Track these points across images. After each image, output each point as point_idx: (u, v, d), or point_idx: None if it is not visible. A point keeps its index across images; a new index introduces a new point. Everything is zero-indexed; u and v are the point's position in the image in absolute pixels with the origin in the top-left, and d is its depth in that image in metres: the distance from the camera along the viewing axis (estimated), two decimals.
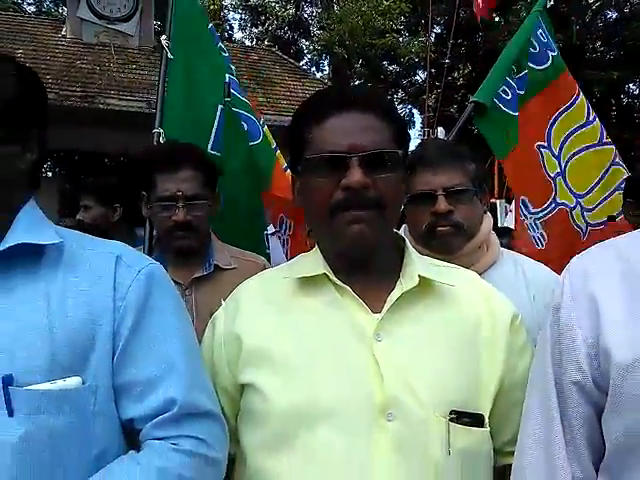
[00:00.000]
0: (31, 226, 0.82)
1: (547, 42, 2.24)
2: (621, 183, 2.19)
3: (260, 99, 8.77)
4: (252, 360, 0.90)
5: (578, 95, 2.25)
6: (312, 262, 0.95)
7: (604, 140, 2.25)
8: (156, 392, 0.81)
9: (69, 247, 0.84)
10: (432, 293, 0.92)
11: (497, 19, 13.72)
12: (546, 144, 2.13)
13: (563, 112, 2.16)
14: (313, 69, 18.69)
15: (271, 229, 2.36)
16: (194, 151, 1.66)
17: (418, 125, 17.95)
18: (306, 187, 0.93)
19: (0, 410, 0.72)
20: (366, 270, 0.92)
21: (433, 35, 17.59)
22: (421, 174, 1.26)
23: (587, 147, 2.19)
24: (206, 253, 1.62)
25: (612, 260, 0.75)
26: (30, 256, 0.81)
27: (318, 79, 11.08)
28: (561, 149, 2.13)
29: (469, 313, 0.92)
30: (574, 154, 2.18)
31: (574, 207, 2.12)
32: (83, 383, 0.78)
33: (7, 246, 0.78)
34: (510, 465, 0.84)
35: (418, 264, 0.93)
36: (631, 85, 14.02)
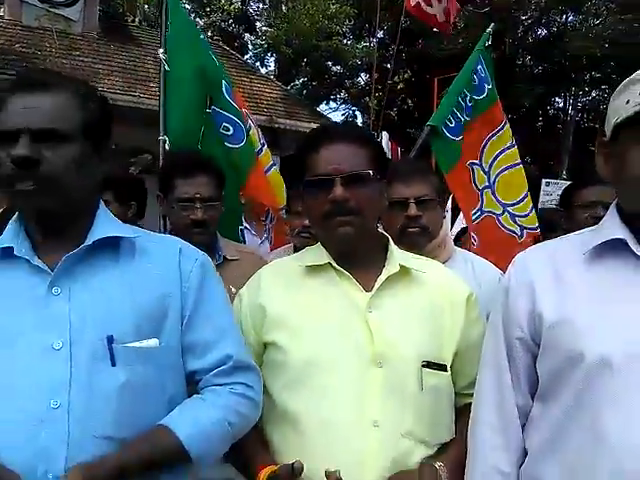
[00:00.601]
0: (108, 223, 1.04)
1: (485, 77, 2.65)
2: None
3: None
4: (273, 325, 1.18)
5: (505, 122, 2.68)
6: (317, 253, 1.23)
7: (517, 162, 2.71)
8: (214, 351, 1.06)
9: (139, 240, 1.04)
10: (409, 278, 1.21)
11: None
12: (478, 162, 2.55)
13: (493, 136, 2.60)
14: (257, 64, 18.76)
15: (245, 224, 2.60)
16: (207, 159, 1.91)
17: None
18: (306, 201, 1.22)
19: (106, 361, 0.94)
20: (356, 260, 1.20)
21: (375, 40, 18.19)
22: (396, 186, 1.54)
23: (512, 166, 2.65)
24: (216, 247, 1.85)
25: (544, 257, 1.03)
26: (110, 247, 1.01)
27: (265, 76, 11.16)
28: (490, 166, 2.57)
29: (437, 292, 1.21)
30: (502, 171, 2.63)
31: (501, 214, 2.54)
32: (160, 344, 0.99)
33: (95, 239, 0.98)
34: (466, 405, 1.14)
35: (398, 256, 1.21)
36: (557, 98, 15.07)
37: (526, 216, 2.64)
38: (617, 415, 0.87)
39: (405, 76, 16.29)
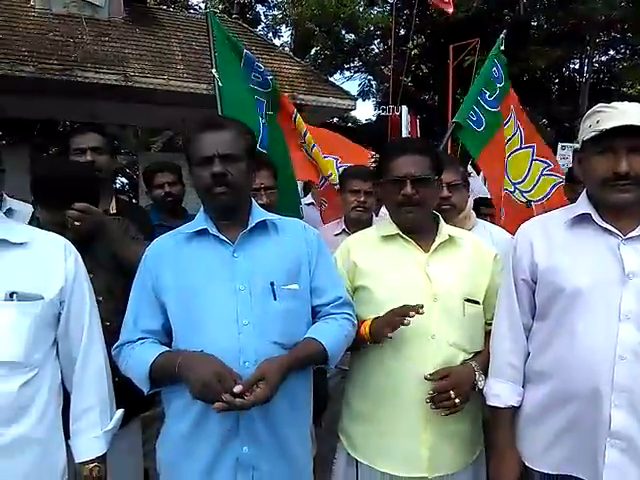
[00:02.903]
0: (259, 212, 1.59)
1: (498, 77, 3.15)
2: (542, 174, 3.16)
3: None
4: (362, 275, 1.73)
5: (510, 116, 3.16)
6: (389, 227, 1.76)
7: (523, 145, 3.22)
8: (329, 292, 1.59)
9: (278, 222, 1.59)
10: (453, 243, 1.74)
11: None
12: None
13: (506, 124, 3.09)
14: (270, 35, 18.88)
15: (308, 199, 3.16)
16: (265, 157, 2.41)
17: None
18: (384, 194, 1.76)
19: (271, 297, 1.48)
20: (417, 232, 1.73)
21: (388, 6, 18.13)
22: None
23: (515, 150, 3.17)
24: None
25: (539, 226, 1.55)
26: (263, 227, 1.56)
27: (284, 52, 11.44)
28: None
29: (472, 253, 1.75)
30: (509, 155, 3.15)
31: (513, 191, 3.06)
32: (299, 287, 1.53)
33: (255, 221, 1.54)
34: (490, 330, 1.67)
35: (445, 228, 1.75)
36: (572, 60, 15.02)
37: (530, 191, 3.17)
38: (585, 324, 1.39)
39: (419, 42, 16.34)
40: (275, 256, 1.53)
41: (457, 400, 1.55)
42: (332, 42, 16.96)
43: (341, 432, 1.80)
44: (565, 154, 7.75)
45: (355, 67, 19.41)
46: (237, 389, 1.30)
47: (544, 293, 1.49)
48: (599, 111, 1.37)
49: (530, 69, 12.99)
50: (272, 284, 1.49)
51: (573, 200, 1.61)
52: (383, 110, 8.30)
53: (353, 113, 16.46)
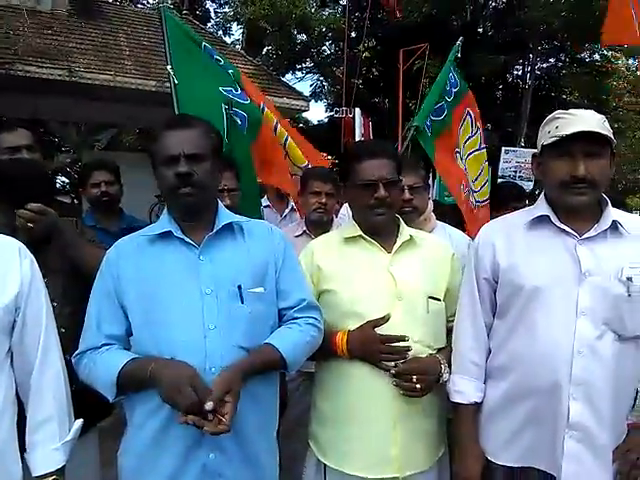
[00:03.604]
0: (225, 214, 1.55)
1: (454, 82, 3.28)
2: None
3: None
4: (326, 278, 1.73)
5: (466, 115, 3.27)
6: (352, 229, 1.77)
7: (481, 146, 3.35)
8: (294, 295, 1.56)
9: (245, 224, 1.56)
10: (414, 243, 1.76)
11: None
12: (458, 149, 3.13)
13: (460, 128, 3.19)
14: (220, 33, 18.61)
15: (264, 202, 3.11)
16: (229, 158, 2.33)
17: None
18: (353, 197, 1.75)
19: (237, 300, 1.45)
20: (379, 233, 1.74)
21: (339, 8, 18.26)
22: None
23: (474, 150, 3.24)
24: None
25: (500, 227, 1.61)
26: (229, 229, 1.53)
27: (236, 50, 11.32)
28: (461, 151, 3.18)
29: (432, 252, 1.79)
30: (468, 154, 3.25)
31: (468, 191, 3.14)
32: (265, 290, 1.50)
33: (222, 224, 1.51)
34: (452, 327, 1.71)
35: (406, 229, 1.78)
36: (516, 67, 15.62)
37: (479, 191, 3.31)
38: (544, 320, 1.45)
39: (370, 45, 16.55)
40: (241, 259, 1.51)
41: (418, 386, 1.58)
42: (284, 42, 16.92)
43: (310, 437, 1.79)
44: (508, 158, 8.06)
45: (307, 68, 19.45)
46: (209, 406, 1.27)
47: (505, 291, 1.54)
48: (558, 117, 1.43)
49: (475, 75, 13.41)
50: (239, 287, 1.46)
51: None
52: (336, 112, 8.36)
53: (305, 114, 16.46)
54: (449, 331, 1.74)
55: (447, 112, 3.16)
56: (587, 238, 1.46)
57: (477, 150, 3.32)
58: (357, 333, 1.64)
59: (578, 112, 1.42)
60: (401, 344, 1.61)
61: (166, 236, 1.50)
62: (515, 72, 15.96)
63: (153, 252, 1.50)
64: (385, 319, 1.61)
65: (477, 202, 3.31)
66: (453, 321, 1.73)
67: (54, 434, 1.40)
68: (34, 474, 1.37)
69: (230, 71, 2.95)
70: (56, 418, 1.40)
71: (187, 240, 1.49)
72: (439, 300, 1.73)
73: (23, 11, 8.31)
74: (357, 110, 7.57)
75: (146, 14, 10.89)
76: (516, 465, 1.54)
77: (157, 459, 1.42)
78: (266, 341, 1.49)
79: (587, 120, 1.38)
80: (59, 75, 7.67)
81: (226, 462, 1.43)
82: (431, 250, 1.80)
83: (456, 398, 1.62)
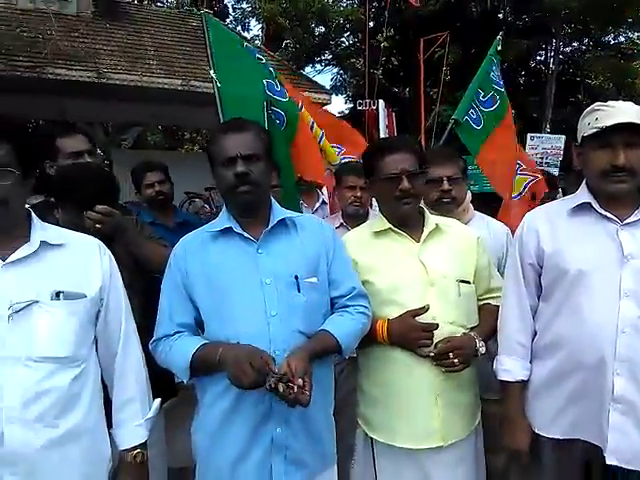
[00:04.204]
0: (279, 210, 1.67)
1: (496, 81, 3.32)
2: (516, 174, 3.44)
3: (205, 68, 8.98)
4: (362, 270, 1.83)
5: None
6: (381, 222, 1.87)
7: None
8: (345, 284, 1.68)
9: (297, 219, 1.68)
10: (440, 231, 1.87)
11: None
12: None
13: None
14: (239, 28, 18.71)
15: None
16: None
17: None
18: (380, 191, 1.85)
19: (295, 289, 1.56)
20: (407, 224, 1.84)
21: None
22: (434, 168, 2.19)
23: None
24: None
25: (543, 214, 1.69)
26: (283, 225, 1.65)
27: (259, 47, 11.42)
28: None
29: (458, 238, 1.89)
30: None
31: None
32: (317, 280, 1.62)
33: (277, 219, 1.63)
34: (482, 305, 1.87)
35: (432, 218, 1.88)
36: (539, 52, 15.41)
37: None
38: (588, 302, 1.54)
39: (388, 35, 16.48)
40: (296, 251, 1.63)
41: (455, 360, 1.70)
42: (303, 35, 16.95)
43: (359, 417, 1.91)
44: (534, 144, 7.98)
45: (326, 60, 19.46)
46: (299, 383, 1.38)
47: (550, 275, 1.63)
48: (597, 110, 1.51)
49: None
50: (296, 278, 1.58)
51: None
52: (359, 104, 8.40)
53: (326, 107, 16.50)
54: (480, 309, 1.86)
55: (500, 103, 3.21)
56: (628, 223, 1.54)
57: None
58: (397, 322, 1.75)
59: (617, 104, 1.50)
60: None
61: (226, 232, 1.63)
62: (538, 57, 15.76)
63: (216, 247, 1.63)
64: (425, 309, 1.72)
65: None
66: (482, 300, 1.87)
67: (137, 412, 1.54)
68: (121, 448, 1.52)
69: (271, 68, 3.06)
70: (138, 398, 1.54)
71: (246, 235, 1.61)
72: (469, 283, 1.84)
73: (50, 14, 8.50)
74: (381, 102, 7.60)
75: (168, 13, 11.08)
76: (562, 437, 1.64)
77: (229, 434, 1.55)
78: (323, 328, 1.61)
79: (626, 112, 1.46)
80: (88, 77, 7.85)
81: (291, 436, 1.56)
82: (457, 236, 1.90)
83: (504, 376, 1.72)
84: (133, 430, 1.52)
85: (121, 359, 1.52)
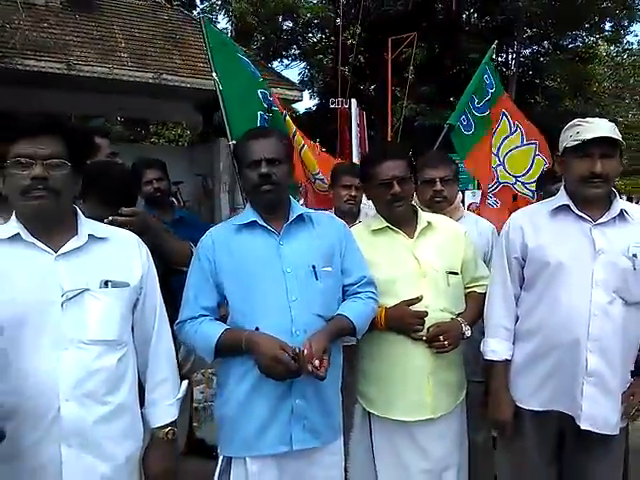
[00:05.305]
0: (297, 206, 1.85)
1: (489, 83, 3.54)
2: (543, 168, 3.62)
3: (177, 61, 8.98)
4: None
5: (502, 117, 3.56)
6: (378, 221, 2.08)
7: (524, 142, 3.62)
8: (355, 273, 1.87)
9: (312, 215, 1.87)
10: (431, 227, 2.08)
11: None
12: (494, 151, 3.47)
13: (496, 129, 3.48)
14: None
15: None
16: None
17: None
18: (375, 194, 2.05)
19: (313, 277, 1.75)
20: (401, 222, 2.05)
21: None
22: (427, 170, 2.43)
23: (515, 147, 3.56)
24: None
25: (527, 214, 1.94)
26: (300, 219, 1.82)
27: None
28: (498, 150, 3.48)
29: (447, 233, 2.11)
30: (508, 152, 3.56)
31: (514, 183, 3.45)
32: (332, 269, 1.81)
33: (296, 215, 1.80)
34: (468, 293, 2.08)
35: (424, 216, 2.09)
36: (500, 53, 15.92)
37: (534, 182, 3.52)
38: (566, 290, 1.79)
39: (355, 31, 16.70)
40: (313, 243, 1.82)
41: (445, 343, 1.92)
42: (271, 31, 16.99)
43: (358, 394, 2.12)
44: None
45: (293, 55, 19.54)
46: (317, 363, 1.60)
47: (533, 267, 1.87)
48: (579, 124, 1.76)
49: (461, 61, 13.73)
50: (314, 267, 1.78)
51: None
52: (332, 102, 8.60)
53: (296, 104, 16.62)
54: (467, 296, 2.10)
55: (489, 111, 3.46)
56: (600, 223, 1.79)
57: (521, 146, 3.61)
58: (393, 310, 1.96)
59: (595, 120, 1.75)
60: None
61: (250, 225, 1.81)
62: (500, 59, 16.29)
63: (242, 239, 1.80)
64: (419, 299, 1.94)
65: (535, 191, 3.47)
66: (468, 288, 2.11)
67: (169, 392, 1.67)
68: (154, 426, 1.65)
69: (261, 79, 3.23)
70: (170, 379, 1.68)
71: (269, 228, 1.79)
72: (456, 274, 2.06)
73: (18, 4, 8.30)
74: (353, 101, 7.82)
75: (138, 5, 10.92)
76: (541, 409, 1.88)
77: (253, 407, 1.73)
78: (339, 312, 1.80)
79: (603, 127, 1.71)
80: (58, 69, 7.73)
81: (308, 408, 1.75)
82: (446, 231, 2.13)
83: (490, 356, 1.95)
84: (166, 409, 1.65)
85: (155, 343, 1.65)
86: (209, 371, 4.18)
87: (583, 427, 1.77)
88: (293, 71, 19.84)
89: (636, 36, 19.50)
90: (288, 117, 3.34)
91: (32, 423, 1.39)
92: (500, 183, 3.54)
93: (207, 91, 8.15)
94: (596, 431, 1.77)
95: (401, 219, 2.05)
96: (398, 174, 1.98)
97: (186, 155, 9.66)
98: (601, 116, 1.87)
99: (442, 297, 1.99)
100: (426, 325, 1.95)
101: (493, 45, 3.81)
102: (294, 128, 3.37)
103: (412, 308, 1.94)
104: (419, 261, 2.00)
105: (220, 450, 1.82)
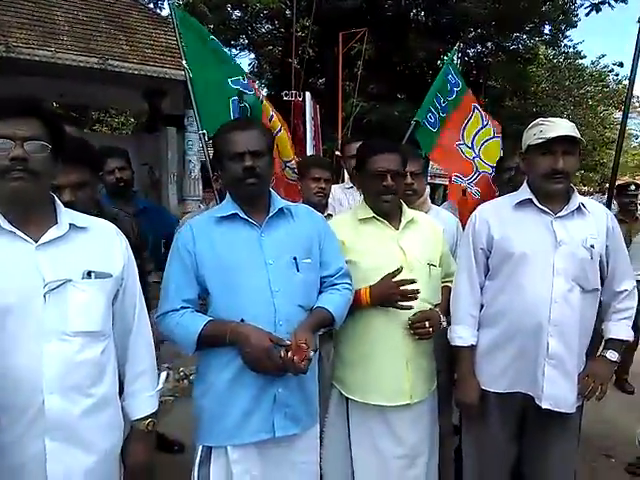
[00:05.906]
0: (277, 199, 1.86)
1: (454, 82, 3.64)
2: None
3: (124, 47, 8.70)
4: (348, 251, 2.07)
5: (473, 110, 3.68)
6: (365, 211, 2.13)
7: (495, 135, 3.75)
8: (334, 265, 1.92)
9: (292, 208, 1.88)
10: (414, 222, 2.16)
11: None
12: (462, 141, 3.60)
13: (467, 122, 3.61)
14: (150, 6, 17.92)
15: None
16: None
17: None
18: (367, 184, 2.11)
19: (294, 269, 1.78)
20: (388, 213, 2.11)
21: None
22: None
23: (488, 139, 3.68)
24: None
25: (493, 207, 2.05)
26: (281, 212, 1.84)
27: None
28: (473, 141, 3.60)
29: (428, 228, 2.20)
30: (482, 144, 3.66)
31: (491, 173, 3.55)
32: (311, 261, 1.84)
33: (277, 208, 1.82)
34: (443, 286, 2.17)
35: (408, 211, 2.17)
36: (447, 53, 16.36)
37: None
38: (529, 279, 1.91)
39: (307, 23, 16.67)
40: (293, 236, 1.85)
41: (430, 329, 2.01)
42: (220, 21, 16.69)
43: (335, 380, 2.17)
44: None
45: (241, 45, 19.25)
46: (310, 354, 1.64)
47: (497, 257, 1.98)
48: (542, 124, 1.88)
49: (408, 59, 14.04)
50: (295, 259, 1.81)
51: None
52: (286, 95, 8.59)
53: None
54: (442, 289, 2.20)
55: (449, 110, 3.57)
56: (560, 216, 1.92)
57: (492, 138, 3.73)
58: (377, 284, 2.02)
59: (556, 120, 1.88)
60: (412, 287, 2.00)
61: (231, 218, 1.81)
62: (445, 58, 16.73)
63: (222, 231, 1.80)
64: (399, 270, 2.00)
65: None
66: (444, 282, 2.19)
67: (149, 384, 1.67)
68: (134, 418, 1.63)
69: (234, 63, 3.19)
70: (149, 371, 1.67)
71: (251, 221, 1.81)
72: (436, 266, 2.16)
73: None
74: (308, 94, 7.83)
75: None
76: (505, 391, 2.00)
77: (235, 396, 1.75)
78: (319, 305, 1.85)
79: (564, 126, 1.83)
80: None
81: (290, 396, 1.79)
82: (426, 227, 2.22)
83: (457, 342, 2.06)
84: (146, 400, 1.65)
85: (135, 334, 1.64)
86: (165, 365, 4.12)
87: (544, 407, 1.90)
88: (243, 61, 19.47)
89: (571, 41, 20.60)
90: (265, 101, 3.29)
91: (15, 417, 1.35)
92: (480, 173, 3.67)
93: (155, 78, 7.99)
94: (556, 410, 1.90)
95: (387, 211, 2.11)
96: (393, 167, 2.04)
97: (132, 143, 9.35)
98: (538, 115, 2.00)
99: (424, 288, 2.05)
100: (409, 313, 2.02)
101: (455, 47, 3.95)
102: (271, 111, 3.30)
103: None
104: (404, 251, 2.07)
105: (199, 440, 1.83)
